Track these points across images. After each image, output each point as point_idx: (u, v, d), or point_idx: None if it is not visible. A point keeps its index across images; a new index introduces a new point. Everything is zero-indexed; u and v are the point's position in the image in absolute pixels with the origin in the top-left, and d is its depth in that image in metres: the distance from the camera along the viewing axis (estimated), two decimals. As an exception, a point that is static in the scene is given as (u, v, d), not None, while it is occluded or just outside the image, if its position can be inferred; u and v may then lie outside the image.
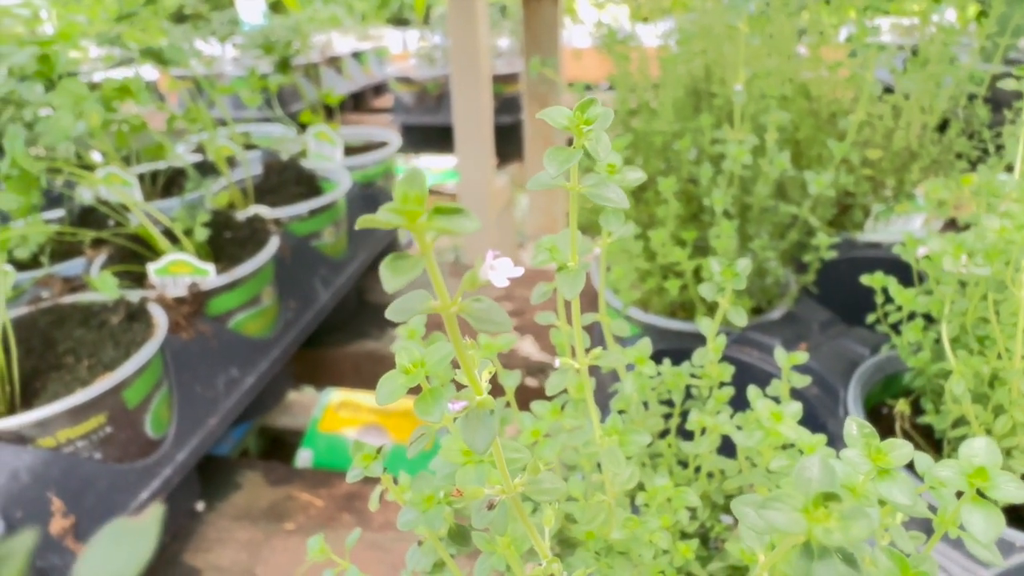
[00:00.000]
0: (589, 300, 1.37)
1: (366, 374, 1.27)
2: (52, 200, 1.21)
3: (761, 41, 0.82)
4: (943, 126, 0.86)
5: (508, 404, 0.44)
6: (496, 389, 0.46)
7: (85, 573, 0.19)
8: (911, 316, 0.58)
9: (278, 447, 1.29)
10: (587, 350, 0.34)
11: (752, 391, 0.44)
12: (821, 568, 0.18)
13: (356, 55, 2.61)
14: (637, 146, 0.82)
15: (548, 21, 1.67)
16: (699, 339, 0.81)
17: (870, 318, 0.63)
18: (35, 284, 0.94)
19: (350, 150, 1.51)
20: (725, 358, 0.77)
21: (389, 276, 0.17)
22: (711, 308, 0.77)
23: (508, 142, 2.03)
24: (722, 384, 0.51)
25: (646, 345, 0.44)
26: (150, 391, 0.84)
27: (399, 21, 3.83)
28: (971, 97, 0.81)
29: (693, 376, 0.50)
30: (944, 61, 0.77)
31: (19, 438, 0.72)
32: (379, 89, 2.74)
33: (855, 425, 0.28)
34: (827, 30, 0.83)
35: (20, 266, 1.02)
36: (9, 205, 0.70)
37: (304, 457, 1.18)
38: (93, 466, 0.77)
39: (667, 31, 0.83)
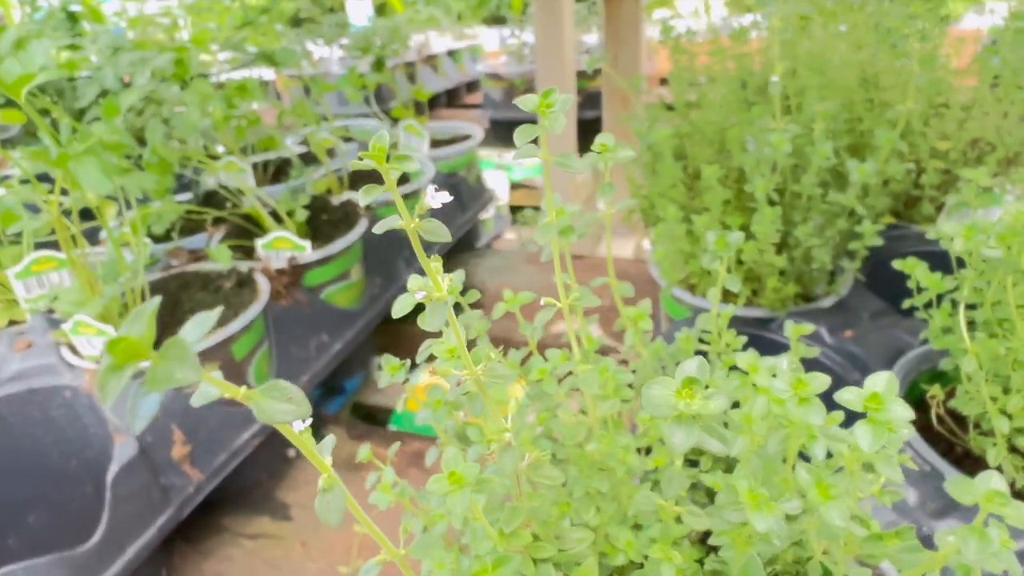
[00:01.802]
0: (645, 282, 1.41)
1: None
2: (183, 185, 1.40)
3: (833, 33, 0.83)
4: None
5: (531, 354, 0.50)
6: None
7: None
8: (939, 300, 0.58)
9: (369, 423, 1.42)
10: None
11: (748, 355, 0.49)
12: (679, 431, 0.23)
13: (451, 53, 2.74)
14: (693, 137, 0.86)
15: (629, 17, 1.70)
16: (744, 322, 0.84)
17: (906, 304, 0.64)
18: (167, 255, 1.11)
19: (437, 142, 1.62)
20: (765, 340, 0.80)
21: (363, 195, 0.25)
22: (755, 292, 0.80)
23: (591, 136, 2.08)
24: (734, 351, 0.54)
25: (646, 306, 0.49)
26: (253, 347, 0.98)
27: (496, 20, 3.95)
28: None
29: (702, 342, 0.55)
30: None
31: (151, 377, 0.87)
32: (472, 86, 2.87)
33: (785, 361, 0.33)
34: (901, 22, 0.82)
35: (156, 239, 1.20)
36: (147, 185, 0.84)
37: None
38: (207, 406, 0.91)
39: (724, 24, 0.86)
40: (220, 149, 1.38)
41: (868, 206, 0.74)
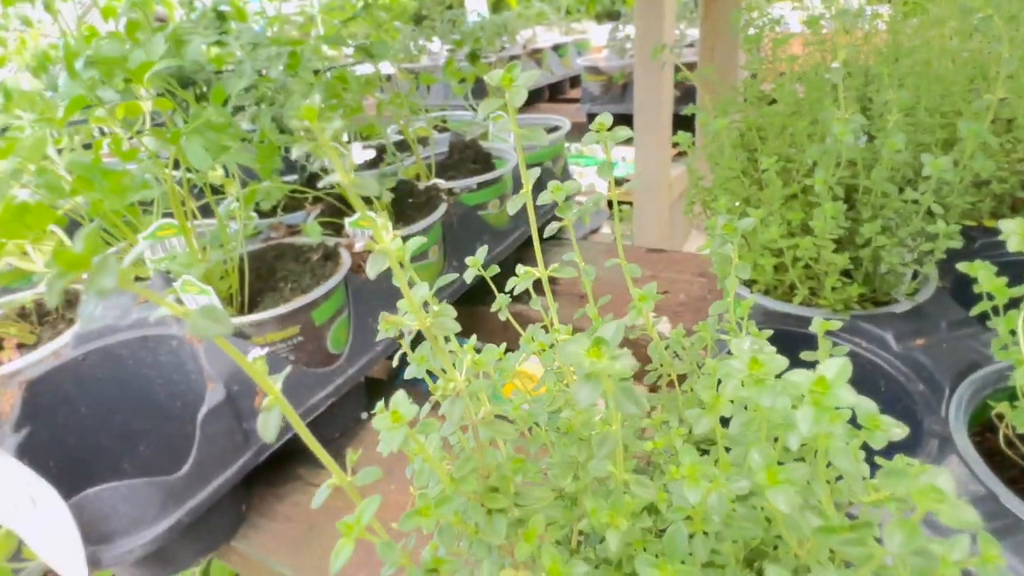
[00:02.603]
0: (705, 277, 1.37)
1: (511, 332, 1.41)
2: (291, 167, 1.53)
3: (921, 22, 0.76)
4: None
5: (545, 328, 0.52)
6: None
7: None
8: (1007, 307, 0.53)
9: None
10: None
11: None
12: (583, 387, 0.24)
13: (557, 48, 2.76)
14: (765, 129, 0.82)
15: (727, 9, 1.64)
16: (802, 321, 0.80)
17: (973, 311, 0.58)
18: (269, 228, 1.23)
19: (526, 134, 1.65)
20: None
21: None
22: (812, 292, 0.76)
23: (687, 131, 2.03)
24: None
25: (652, 288, 0.49)
26: (333, 314, 1.07)
27: (610, 15, 3.92)
28: None
29: (724, 334, 0.54)
30: None
31: (242, 334, 0.98)
32: (575, 81, 2.87)
33: (747, 342, 0.33)
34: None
35: (263, 214, 1.33)
36: (244, 161, 0.94)
37: None
38: (287, 365, 1.01)
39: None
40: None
41: (949, 205, 0.68)
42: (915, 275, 0.75)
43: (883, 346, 0.73)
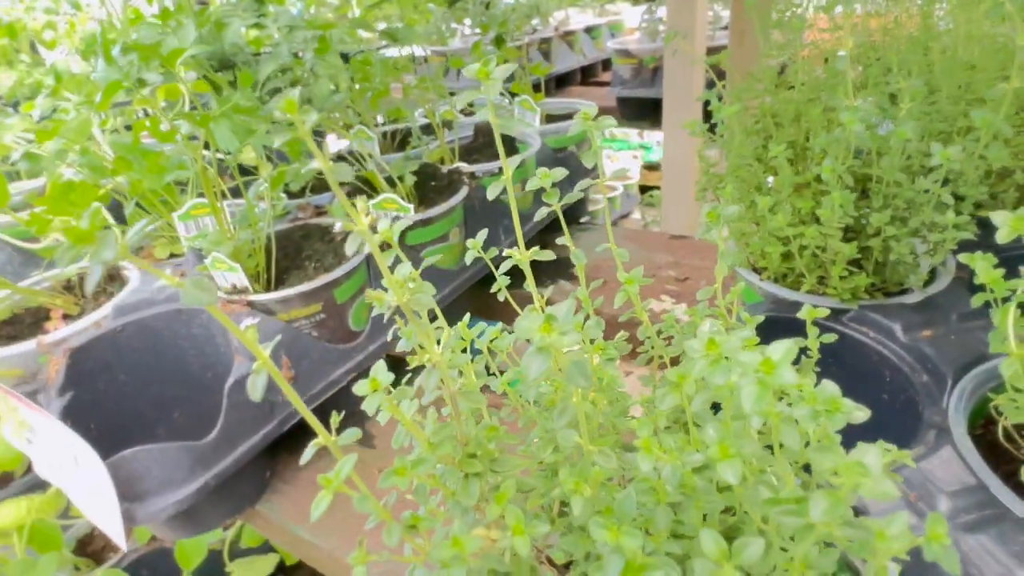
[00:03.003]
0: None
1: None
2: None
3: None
4: None
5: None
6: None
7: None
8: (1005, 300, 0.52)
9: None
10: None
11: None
12: (534, 358, 0.26)
13: (589, 30, 2.74)
14: (780, 115, 0.82)
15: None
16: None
17: (974, 301, 0.58)
18: (296, 208, 1.27)
19: (553, 118, 1.66)
20: (835, 332, 0.77)
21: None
22: (820, 280, 0.76)
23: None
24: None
25: (638, 272, 0.51)
26: (354, 293, 1.10)
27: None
28: None
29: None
30: None
31: (268, 310, 1.02)
32: (608, 63, 2.84)
33: (708, 324, 0.34)
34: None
35: (293, 195, 1.38)
36: (269, 144, 0.98)
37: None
38: (310, 340, 1.06)
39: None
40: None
41: (963, 196, 0.67)
42: (930, 266, 0.74)
43: (890, 336, 0.73)
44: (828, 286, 0.74)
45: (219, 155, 1.08)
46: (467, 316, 0.55)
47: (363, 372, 1.13)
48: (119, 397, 1.02)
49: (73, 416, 0.94)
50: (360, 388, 0.33)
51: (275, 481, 1.09)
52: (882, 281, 0.76)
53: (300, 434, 1.10)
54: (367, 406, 0.33)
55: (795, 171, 0.74)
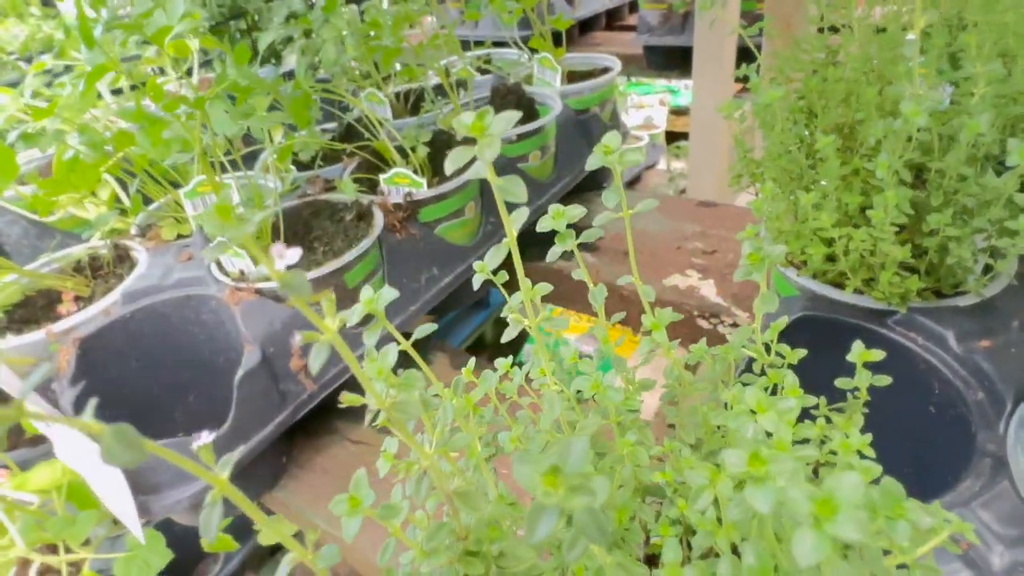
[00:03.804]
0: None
1: (555, 289, 1.38)
2: (328, 116, 1.50)
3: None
4: None
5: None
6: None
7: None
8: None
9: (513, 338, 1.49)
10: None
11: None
12: (539, 517, 0.22)
13: (616, -31, 2.56)
14: (825, 95, 0.73)
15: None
16: (855, 312, 0.74)
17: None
18: (306, 182, 1.22)
19: (574, 76, 1.55)
20: (876, 336, 0.71)
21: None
22: (866, 282, 0.69)
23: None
24: (790, 366, 0.49)
25: (669, 316, 0.45)
26: (366, 276, 1.06)
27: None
28: None
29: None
30: None
31: (277, 297, 0.99)
32: (634, 5, 2.67)
33: (749, 393, 0.29)
34: None
35: (301, 166, 1.32)
36: (271, 126, 0.92)
37: (528, 350, 1.36)
38: (322, 326, 1.02)
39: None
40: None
41: (1037, 195, 0.59)
42: (987, 267, 0.67)
43: (942, 345, 0.67)
44: (875, 288, 0.68)
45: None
46: (471, 361, 0.50)
47: (377, 356, 1.10)
48: (132, 384, 1.01)
49: (87, 405, 0.93)
50: (337, 506, 0.29)
51: (291, 466, 1.08)
52: (935, 281, 0.69)
53: (316, 416, 1.09)
54: (346, 531, 0.29)
55: (842, 160, 0.67)
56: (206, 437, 0.30)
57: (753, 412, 0.35)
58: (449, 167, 0.29)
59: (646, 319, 0.44)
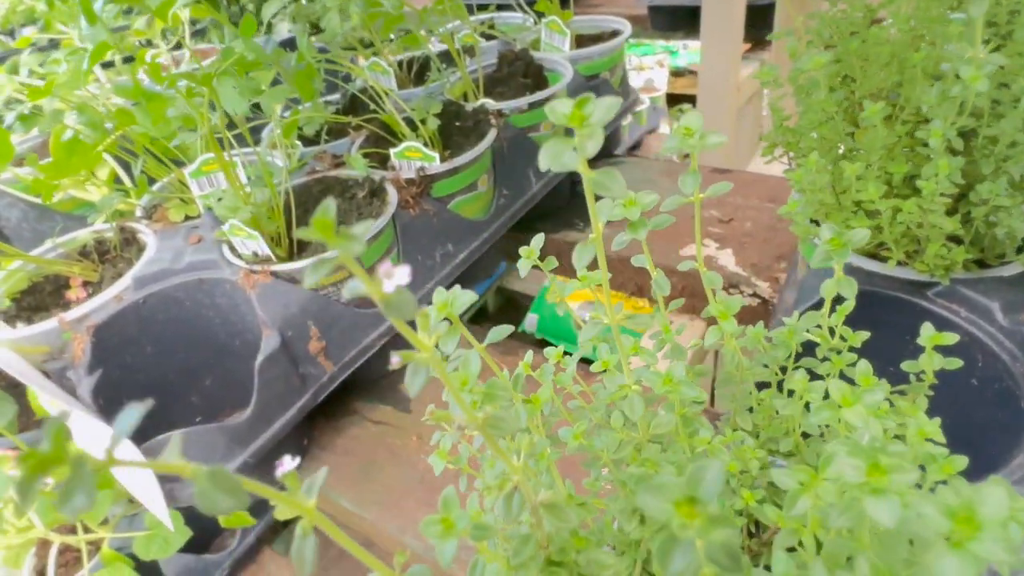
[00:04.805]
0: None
1: (566, 261, 1.36)
2: (331, 87, 1.45)
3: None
4: None
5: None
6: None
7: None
8: None
9: (512, 307, 1.48)
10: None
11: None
12: (675, 551, 0.21)
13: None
14: (866, 58, 0.70)
15: None
16: (895, 284, 0.72)
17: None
18: (313, 158, 1.18)
19: (582, 40, 1.50)
20: (918, 309, 0.69)
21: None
22: (909, 256, 0.67)
23: (760, 25, 1.81)
24: (851, 348, 0.47)
25: (736, 302, 0.43)
26: (382, 255, 1.04)
27: None
28: None
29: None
30: None
31: (292, 279, 0.97)
32: (638, -39, 2.58)
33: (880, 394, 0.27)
34: None
35: (307, 141, 1.28)
36: (277, 101, 0.88)
37: (531, 320, 1.34)
38: (339, 308, 1.00)
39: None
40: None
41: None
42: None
43: (987, 317, 0.65)
44: (917, 260, 0.66)
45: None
46: (529, 355, 0.49)
47: (397, 336, 1.08)
48: (148, 369, 0.99)
49: (105, 393, 0.92)
50: (429, 529, 0.27)
51: (312, 447, 1.08)
52: (979, 252, 0.68)
53: (336, 397, 1.07)
54: (441, 555, 0.27)
55: (886, 130, 0.64)
56: (288, 464, 0.28)
57: (839, 406, 0.34)
58: (544, 163, 0.26)
59: (712, 307, 0.42)
